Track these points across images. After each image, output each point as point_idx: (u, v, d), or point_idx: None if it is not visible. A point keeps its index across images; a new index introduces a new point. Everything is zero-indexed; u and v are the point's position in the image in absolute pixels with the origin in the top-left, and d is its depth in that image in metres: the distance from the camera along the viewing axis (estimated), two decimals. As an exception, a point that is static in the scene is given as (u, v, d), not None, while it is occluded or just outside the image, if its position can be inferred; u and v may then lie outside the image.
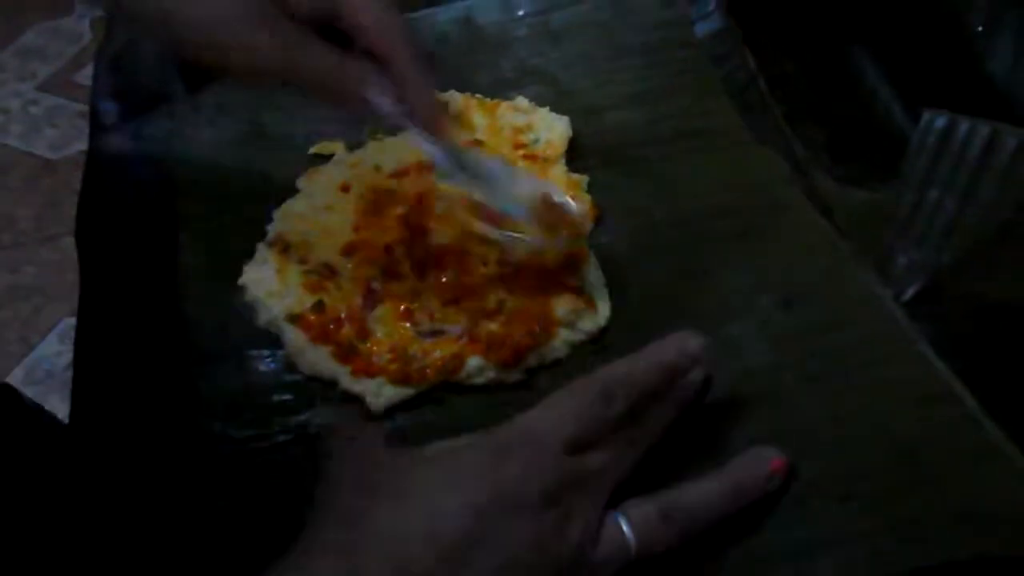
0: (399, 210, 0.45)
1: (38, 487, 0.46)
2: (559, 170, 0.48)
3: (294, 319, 0.41)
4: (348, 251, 0.44)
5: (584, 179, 0.47)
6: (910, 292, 0.43)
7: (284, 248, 0.44)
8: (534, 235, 0.42)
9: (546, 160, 0.48)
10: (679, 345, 0.35)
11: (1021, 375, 0.39)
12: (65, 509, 0.38)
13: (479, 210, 0.42)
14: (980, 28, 0.50)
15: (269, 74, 0.39)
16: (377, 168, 0.47)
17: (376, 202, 0.46)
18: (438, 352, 0.40)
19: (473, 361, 0.40)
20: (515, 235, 0.42)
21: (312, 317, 0.41)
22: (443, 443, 0.32)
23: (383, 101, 0.39)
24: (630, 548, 0.31)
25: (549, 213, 0.42)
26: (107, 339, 0.42)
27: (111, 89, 0.54)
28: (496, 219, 0.42)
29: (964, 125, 0.44)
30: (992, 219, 0.43)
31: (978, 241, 0.43)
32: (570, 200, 0.44)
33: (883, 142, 0.53)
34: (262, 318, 0.42)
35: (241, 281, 0.44)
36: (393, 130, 0.49)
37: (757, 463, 0.34)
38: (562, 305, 0.41)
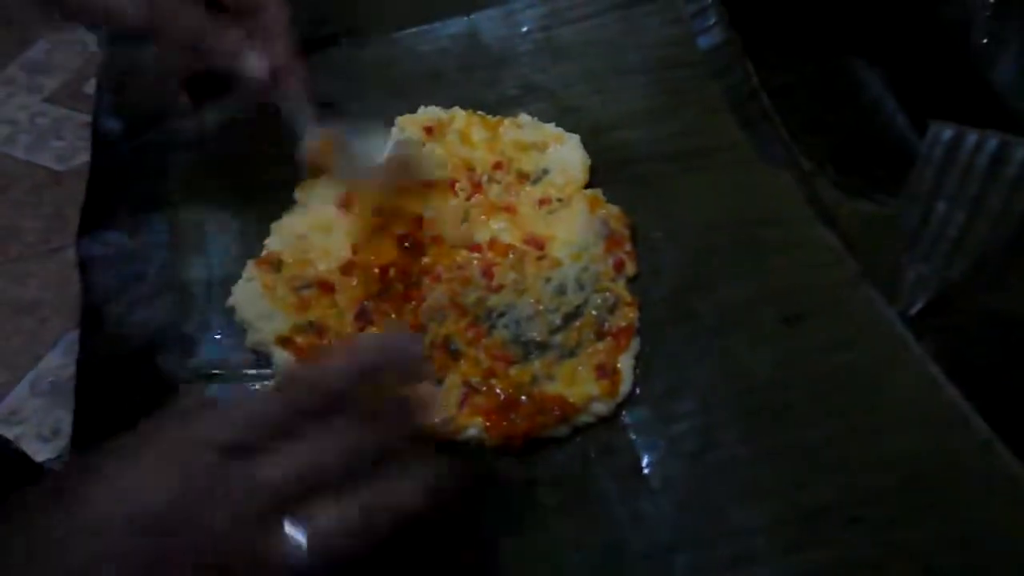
0: (398, 229, 0.45)
1: None
2: (580, 200, 0.46)
3: (283, 342, 0.41)
4: (346, 270, 0.43)
5: (599, 192, 0.46)
6: (918, 305, 0.43)
7: (276, 266, 0.44)
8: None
9: (561, 200, 0.46)
10: (384, 343, 0.30)
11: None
12: None
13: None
14: (984, 41, 0.49)
15: (139, 30, 0.41)
16: None
17: (379, 222, 0.45)
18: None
19: (472, 431, 0.38)
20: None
21: (301, 340, 0.40)
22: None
23: (250, 64, 0.42)
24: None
25: (399, 168, 0.45)
26: (107, 355, 0.42)
27: (113, 105, 0.54)
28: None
29: (972, 137, 0.43)
30: (1001, 231, 0.42)
31: (987, 254, 0.43)
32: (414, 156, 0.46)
33: (887, 154, 0.52)
34: (251, 339, 0.42)
35: (229, 302, 0.43)
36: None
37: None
38: (583, 392, 0.38)
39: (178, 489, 0.27)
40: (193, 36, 0.42)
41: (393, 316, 0.41)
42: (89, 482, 0.27)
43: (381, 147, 0.45)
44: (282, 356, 0.40)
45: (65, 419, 1.07)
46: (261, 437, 0.28)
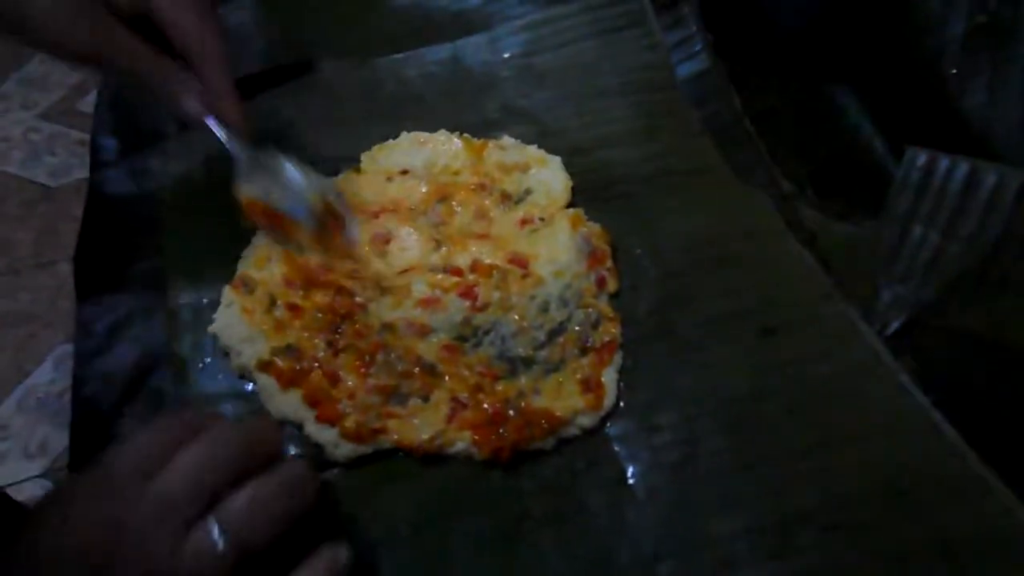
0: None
1: None
2: (562, 219, 0.46)
3: (264, 366, 0.40)
4: (308, 293, 0.43)
5: (580, 211, 0.47)
6: (894, 325, 0.44)
7: (251, 288, 0.43)
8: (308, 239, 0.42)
9: (543, 220, 0.47)
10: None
11: (1001, 406, 0.40)
12: None
13: (266, 210, 0.42)
14: (954, 71, 0.51)
15: (87, 61, 0.42)
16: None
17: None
18: (416, 421, 0.39)
19: (460, 445, 0.38)
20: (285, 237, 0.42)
21: (281, 364, 0.40)
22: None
23: (190, 103, 0.42)
24: None
25: (329, 219, 0.43)
26: (103, 372, 0.42)
27: (111, 125, 0.54)
28: (278, 219, 0.42)
29: (944, 162, 0.45)
30: (974, 253, 0.44)
31: (960, 275, 0.44)
32: (350, 215, 0.43)
33: (865, 177, 0.54)
34: (235, 363, 0.42)
35: (211, 329, 0.43)
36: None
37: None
38: (569, 405, 0.39)
39: (105, 524, 0.29)
40: (138, 72, 0.43)
41: (362, 340, 0.41)
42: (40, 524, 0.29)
43: (311, 185, 0.43)
44: (264, 380, 0.40)
45: (52, 436, 1.06)
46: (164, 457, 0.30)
